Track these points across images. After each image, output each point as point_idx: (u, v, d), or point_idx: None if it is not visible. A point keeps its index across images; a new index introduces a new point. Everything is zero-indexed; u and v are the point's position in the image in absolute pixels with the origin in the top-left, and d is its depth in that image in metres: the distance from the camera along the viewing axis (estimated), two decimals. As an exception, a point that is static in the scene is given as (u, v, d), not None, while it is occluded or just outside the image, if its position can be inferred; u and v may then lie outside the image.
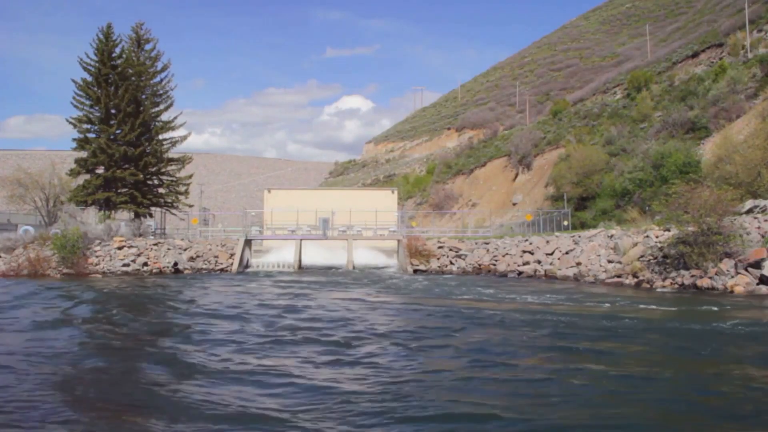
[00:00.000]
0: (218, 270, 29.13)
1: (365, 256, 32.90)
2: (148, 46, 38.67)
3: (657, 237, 20.93)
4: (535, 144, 56.37)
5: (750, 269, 16.74)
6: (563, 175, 43.51)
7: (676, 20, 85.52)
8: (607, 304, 14.63)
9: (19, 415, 5.99)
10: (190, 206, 40.80)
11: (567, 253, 24.95)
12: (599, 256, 22.97)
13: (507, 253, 27.91)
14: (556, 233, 29.76)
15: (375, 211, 36.36)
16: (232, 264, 29.40)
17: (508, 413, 5.85)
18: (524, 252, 27.07)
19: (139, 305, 15.54)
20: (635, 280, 19.74)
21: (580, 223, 36.00)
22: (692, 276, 17.76)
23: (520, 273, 25.65)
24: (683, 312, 13.27)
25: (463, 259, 29.05)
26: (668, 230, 20.69)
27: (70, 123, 36.60)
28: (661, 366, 8.21)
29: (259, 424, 5.70)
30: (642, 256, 20.40)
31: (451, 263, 29.15)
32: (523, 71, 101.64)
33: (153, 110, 38.12)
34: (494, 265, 27.66)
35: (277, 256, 33.33)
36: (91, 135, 36.91)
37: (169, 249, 29.46)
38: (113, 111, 36.56)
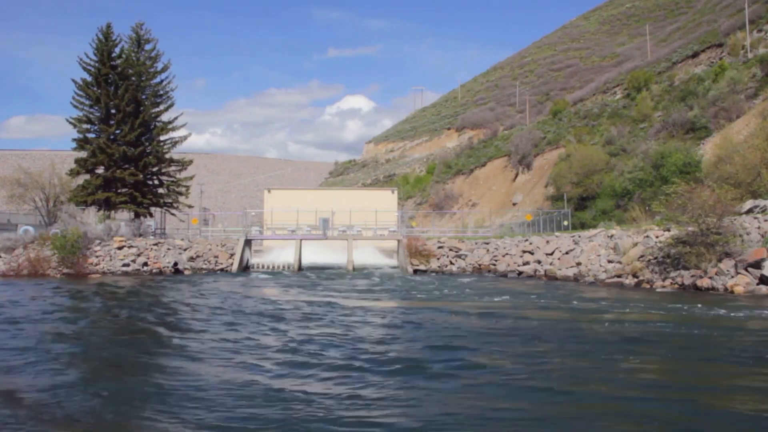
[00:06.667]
0: (218, 270, 29.10)
1: (365, 256, 32.88)
2: (148, 46, 38.63)
3: (657, 237, 20.92)
4: (535, 144, 56.38)
5: (750, 269, 16.72)
6: (563, 175, 43.52)
7: (676, 20, 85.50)
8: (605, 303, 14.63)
9: (12, 415, 5.99)
10: (190, 206, 40.76)
11: (567, 253, 24.95)
12: (599, 256, 22.97)
13: (507, 253, 27.91)
14: (556, 233, 29.76)
15: (375, 211, 36.33)
16: (232, 264, 29.38)
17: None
18: (524, 252, 27.07)
19: (139, 305, 15.53)
20: (635, 280, 19.73)
21: (580, 223, 36.00)
22: (692, 276, 17.75)
23: (520, 273, 25.65)
24: (693, 315, 13.27)
25: (463, 259, 29.04)
26: (668, 230, 20.69)
27: (70, 123, 36.57)
28: (668, 370, 8.21)
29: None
30: (642, 256, 20.39)
31: (451, 263, 29.15)
32: (523, 71, 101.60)
33: (153, 110, 38.07)
34: (494, 265, 27.66)
35: (277, 256, 33.31)
36: (91, 135, 36.86)
37: (169, 249, 29.44)
38: (113, 111, 36.53)
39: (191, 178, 40.17)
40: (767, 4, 50.55)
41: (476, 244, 30.28)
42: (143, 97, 37.65)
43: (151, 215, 37.85)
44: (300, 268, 30.37)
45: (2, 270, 25.84)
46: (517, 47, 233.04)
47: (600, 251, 23.33)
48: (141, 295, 18.20)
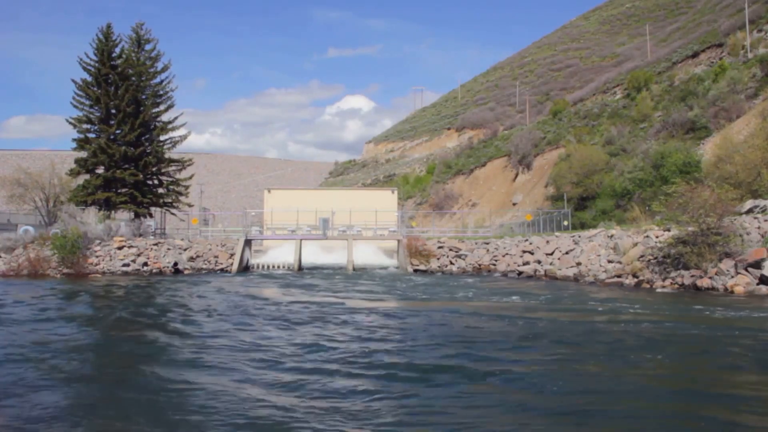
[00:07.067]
0: (218, 270, 29.09)
1: (365, 256, 32.86)
2: (148, 47, 38.66)
3: (657, 237, 20.92)
4: (535, 144, 56.40)
5: (750, 269, 16.71)
6: (563, 175, 43.53)
7: (676, 20, 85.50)
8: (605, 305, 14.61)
9: (13, 414, 5.98)
10: (190, 206, 40.77)
11: (567, 253, 24.94)
12: (599, 256, 22.96)
13: (507, 253, 27.91)
14: (556, 233, 29.76)
15: (375, 211, 36.33)
16: (232, 264, 29.36)
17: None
18: (524, 252, 27.07)
19: (139, 306, 15.52)
20: (635, 280, 19.72)
21: (580, 223, 36.01)
22: (692, 276, 17.74)
23: (520, 273, 25.64)
24: (691, 315, 13.25)
25: (463, 259, 29.04)
26: (668, 230, 20.69)
27: (70, 123, 36.59)
28: (667, 370, 8.19)
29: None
30: (642, 256, 20.39)
31: (451, 263, 29.15)
32: (523, 71, 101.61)
33: (153, 111, 38.09)
34: (494, 265, 27.66)
35: (277, 256, 33.29)
36: (91, 135, 36.89)
37: (169, 249, 29.44)
38: (113, 111, 36.55)
39: (191, 177, 40.17)
40: (767, 4, 50.55)
41: (476, 244, 30.28)
42: (143, 97, 37.67)
43: (151, 215, 37.86)
44: (300, 268, 30.36)
45: (2, 270, 25.85)
46: (517, 47, 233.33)
47: (600, 251, 23.33)
48: (141, 295, 18.20)
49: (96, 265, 27.18)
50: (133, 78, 37.08)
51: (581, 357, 8.77)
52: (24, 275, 25.32)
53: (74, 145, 36.89)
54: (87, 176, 36.85)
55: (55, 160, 46.84)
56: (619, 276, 20.65)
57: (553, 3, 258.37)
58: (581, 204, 40.27)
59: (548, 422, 5.83)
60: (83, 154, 36.61)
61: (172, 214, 40.32)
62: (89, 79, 36.42)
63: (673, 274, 18.55)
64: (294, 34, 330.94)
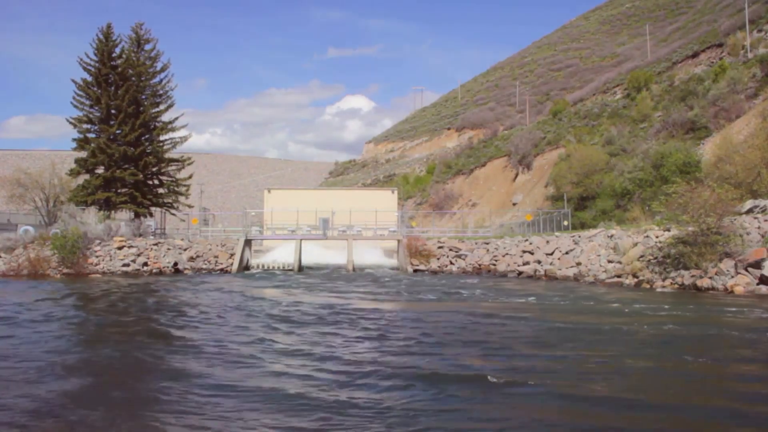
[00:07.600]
0: (218, 270, 29.07)
1: (365, 256, 32.86)
2: (148, 47, 38.65)
3: (657, 237, 20.93)
4: (535, 144, 56.41)
5: (750, 269, 16.72)
6: (563, 175, 43.53)
7: (676, 20, 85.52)
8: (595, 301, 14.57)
9: (14, 414, 5.97)
10: (190, 206, 40.74)
11: (567, 253, 24.94)
12: (599, 256, 22.96)
13: (507, 253, 27.90)
14: (556, 233, 29.75)
15: (375, 211, 36.32)
16: (232, 264, 29.35)
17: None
18: (524, 252, 27.07)
19: (139, 306, 15.51)
20: (635, 280, 19.72)
21: (580, 223, 36.01)
22: (692, 276, 17.74)
23: (520, 273, 25.64)
24: (697, 315, 13.23)
25: (463, 259, 29.04)
26: (668, 230, 20.70)
27: (70, 123, 36.58)
28: (666, 368, 8.19)
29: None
30: (642, 256, 20.39)
31: (451, 263, 29.15)
32: (523, 71, 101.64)
33: (153, 111, 38.08)
34: (494, 265, 27.65)
35: (277, 256, 33.30)
36: (91, 135, 36.88)
37: (169, 249, 29.43)
38: (113, 111, 36.53)
39: (190, 177, 40.16)
40: (767, 4, 50.56)
41: (476, 244, 30.27)
42: (143, 97, 37.66)
43: (151, 215, 37.84)
44: (300, 268, 30.34)
45: (2, 270, 25.84)
46: (517, 47, 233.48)
47: (600, 251, 23.33)
48: (140, 296, 18.18)
49: (96, 265, 27.17)
50: (133, 78, 37.07)
51: (609, 360, 8.44)
52: (24, 275, 25.32)
53: (74, 145, 36.90)
54: (87, 176, 36.83)
55: (55, 160, 46.80)
56: (619, 276, 20.65)
57: (553, 3, 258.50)
58: (581, 204, 40.27)
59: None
60: (83, 154, 36.59)
61: (172, 214, 40.30)
62: (89, 79, 36.41)
63: (673, 274, 18.55)
64: (294, 34, 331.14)
